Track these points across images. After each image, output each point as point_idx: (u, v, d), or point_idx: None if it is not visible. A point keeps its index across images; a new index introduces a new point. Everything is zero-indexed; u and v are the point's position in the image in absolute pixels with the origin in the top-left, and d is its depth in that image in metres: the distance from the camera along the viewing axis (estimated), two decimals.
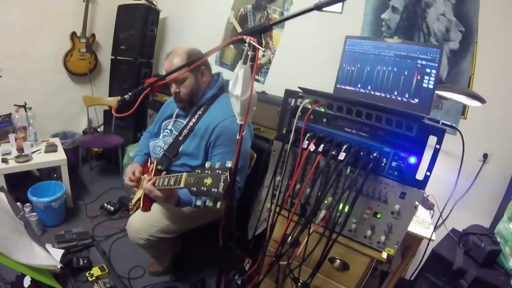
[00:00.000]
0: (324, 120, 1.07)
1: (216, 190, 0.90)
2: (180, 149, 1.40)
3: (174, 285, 1.74)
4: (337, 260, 1.13)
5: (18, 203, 1.93)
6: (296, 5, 2.22)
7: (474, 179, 1.64)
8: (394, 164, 0.96)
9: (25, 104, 2.45)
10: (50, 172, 2.42)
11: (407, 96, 1.27)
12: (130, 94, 1.10)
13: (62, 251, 1.61)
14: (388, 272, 1.68)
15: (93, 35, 3.02)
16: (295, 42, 2.27)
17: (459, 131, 0.94)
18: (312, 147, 1.02)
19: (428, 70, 1.23)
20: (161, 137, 1.54)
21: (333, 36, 1.80)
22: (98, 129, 3.33)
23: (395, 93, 1.29)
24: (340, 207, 1.00)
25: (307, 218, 1.04)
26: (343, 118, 1.04)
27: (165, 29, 3.25)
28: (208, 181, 0.92)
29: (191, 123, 1.41)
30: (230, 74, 1.51)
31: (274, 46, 2.36)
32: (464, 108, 1.66)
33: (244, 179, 1.42)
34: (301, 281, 1.12)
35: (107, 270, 1.61)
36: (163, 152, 1.44)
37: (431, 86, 1.23)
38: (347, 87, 1.40)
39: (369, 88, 1.35)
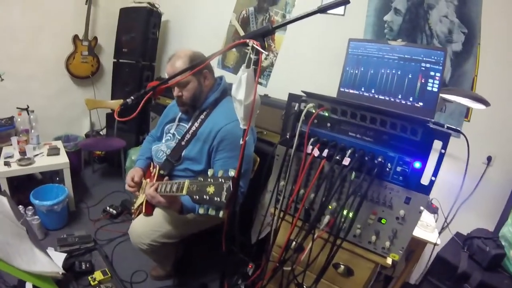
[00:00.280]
0: (328, 124, 1.07)
1: (218, 199, 0.88)
2: (182, 153, 1.39)
3: None
4: (342, 266, 1.12)
5: (20, 206, 1.94)
6: (298, 7, 2.22)
7: (478, 182, 1.63)
8: (399, 169, 0.95)
9: (28, 107, 2.46)
10: (53, 175, 2.42)
11: (411, 99, 1.26)
12: (132, 98, 1.09)
13: (64, 254, 1.61)
14: (392, 276, 1.67)
15: (95, 38, 3.03)
16: (298, 45, 2.26)
17: (464, 135, 0.93)
18: (316, 152, 1.01)
19: (432, 73, 1.22)
20: (163, 141, 1.53)
21: (336, 38, 1.80)
22: (101, 132, 3.34)
23: (399, 97, 1.28)
24: (345, 213, 0.99)
25: (311, 224, 1.03)
26: (347, 123, 1.03)
27: (167, 32, 3.26)
28: (211, 189, 0.90)
29: (193, 128, 1.40)
30: (232, 77, 1.52)
31: (277, 48, 2.36)
32: (467, 111, 1.65)
33: (247, 184, 1.41)
34: (305, 286, 1.11)
35: (110, 274, 1.60)
36: (165, 157, 1.43)
37: (435, 89, 1.22)
38: (351, 91, 1.40)
39: (373, 91, 1.34)
